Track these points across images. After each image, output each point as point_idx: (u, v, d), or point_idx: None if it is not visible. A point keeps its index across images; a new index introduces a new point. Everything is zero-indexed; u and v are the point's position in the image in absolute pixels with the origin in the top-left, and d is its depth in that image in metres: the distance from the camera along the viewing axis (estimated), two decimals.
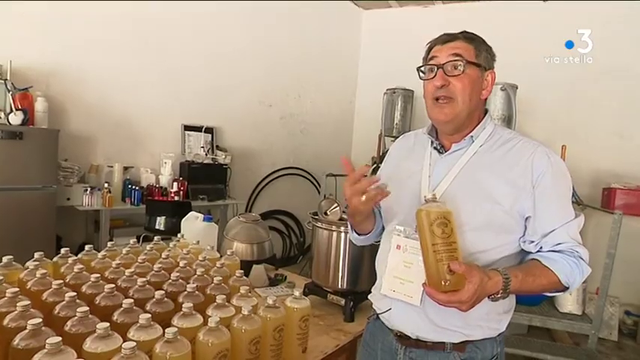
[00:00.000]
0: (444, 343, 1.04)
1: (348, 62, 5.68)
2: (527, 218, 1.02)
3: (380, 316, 1.14)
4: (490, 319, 1.04)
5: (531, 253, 1.03)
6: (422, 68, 1.09)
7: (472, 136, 1.07)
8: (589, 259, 1.01)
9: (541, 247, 1.01)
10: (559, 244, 0.99)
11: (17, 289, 0.99)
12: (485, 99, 1.10)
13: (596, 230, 3.66)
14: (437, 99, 1.04)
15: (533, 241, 1.02)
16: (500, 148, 1.05)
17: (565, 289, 1.01)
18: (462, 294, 0.88)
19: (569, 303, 2.99)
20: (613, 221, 2.86)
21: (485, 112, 1.12)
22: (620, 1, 3.99)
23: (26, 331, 0.82)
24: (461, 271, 0.87)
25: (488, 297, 0.94)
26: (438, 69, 1.03)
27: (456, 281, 0.88)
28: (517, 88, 3.56)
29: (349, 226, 1.29)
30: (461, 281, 0.88)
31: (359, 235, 1.27)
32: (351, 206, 1.06)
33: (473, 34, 1.07)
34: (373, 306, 1.19)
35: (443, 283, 0.88)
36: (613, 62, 4.04)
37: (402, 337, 1.08)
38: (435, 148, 1.12)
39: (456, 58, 1.02)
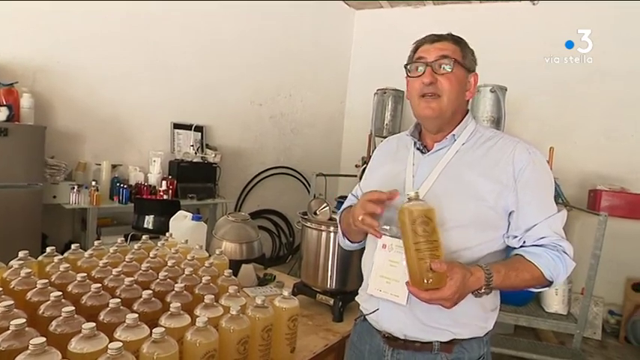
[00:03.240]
0: (431, 343, 1.04)
1: (340, 62, 5.69)
2: (510, 213, 1.03)
3: (367, 317, 1.14)
4: (478, 317, 1.05)
5: (515, 248, 1.04)
6: (409, 66, 1.10)
7: (454, 135, 1.09)
8: (573, 253, 1.02)
9: (524, 242, 1.02)
10: (542, 237, 1.01)
11: (0, 288, 0.97)
12: (468, 100, 1.12)
13: (581, 231, 3.73)
14: (423, 95, 1.06)
15: (516, 236, 1.03)
16: (482, 146, 1.07)
17: (549, 283, 1.01)
18: (443, 291, 0.88)
19: (554, 303, 3.04)
20: (598, 222, 2.91)
21: (467, 112, 1.13)
22: (616, 2, 4.04)
23: (9, 331, 0.80)
24: (442, 270, 0.88)
25: (472, 293, 0.95)
26: (426, 67, 1.04)
27: (437, 279, 0.89)
28: (506, 89, 3.60)
29: (340, 232, 1.29)
30: (442, 279, 0.89)
31: (352, 242, 1.27)
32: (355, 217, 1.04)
33: (459, 36, 1.10)
34: (360, 307, 1.19)
35: (425, 281, 0.89)
36: (603, 63, 4.09)
37: (390, 339, 1.09)
38: (418, 148, 1.14)
39: (445, 57, 1.04)
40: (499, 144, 1.06)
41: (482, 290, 0.94)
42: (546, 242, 1.01)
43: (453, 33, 1.10)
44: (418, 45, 1.10)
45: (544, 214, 1.01)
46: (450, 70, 1.03)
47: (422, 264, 0.89)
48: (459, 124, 1.10)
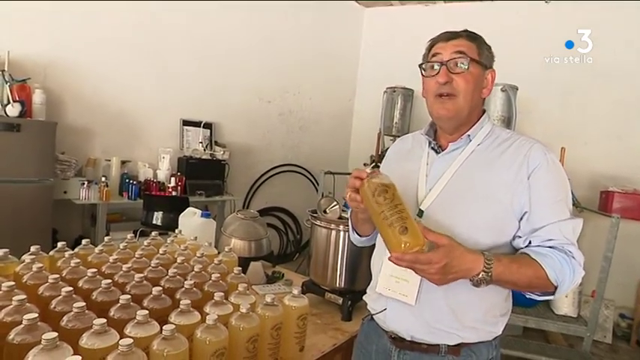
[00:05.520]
0: (438, 345, 1.03)
1: (349, 60, 5.66)
2: (523, 215, 0.99)
3: (375, 317, 1.13)
4: (486, 322, 1.03)
5: (521, 248, 1.00)
6: (423, 65, 1.08)
7: (469, 135, 1.06)
8: (583, 263, 0.96)
9: (530, 242, 0.98)
10: (550, 239, 0.95)
11: (13, 282, 0.98)
12: (484, 98, 1.09)
13: (593, 233, 3.66)
14: (439, 95, 1.03)
15: (522, 236, 0.99)
16: (498, 148, 1.04)
17: (554, 289, 0.95)
18: (428, 255, 0.85)
19: (564, 305, 3.00)
20: (610, 225, 2.86)
21: (483, 112, 1.11)
22: (619, 2, 3.98)
23: (22, 325, 0.81)
24: (411, 225, 0.85)
25: (470, 281, 0.91)
26: (441, 66, 1.02)
27: (412, 239, 0.85)
28: (517, 89, 3.56)
29: (350, 227, 1.28)
30: (418, 238, 0.85)
31: (360, 236, 1.25)
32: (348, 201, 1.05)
33: (475, 33, 1.07)
34: (368, 307, 1.18)
35: (402, 246, 0.86)
36: (612, 63, 4.03)
37: (397, 339, 1.08)
38: (433, 148, 1.12)
39: (460, 55, 1.01)
40: (515, 145, 1.03)
41: (480, 276, 0.89)
42: (554, 245, 0.95)
43: (469, 29, 1.07)
44: (433, 43, 1.08)
45: (555, 216, 0.96)
46: (465, 69, 1.00)
47: (392, 230, 0.86)
48: (474, 123, 1.07)
